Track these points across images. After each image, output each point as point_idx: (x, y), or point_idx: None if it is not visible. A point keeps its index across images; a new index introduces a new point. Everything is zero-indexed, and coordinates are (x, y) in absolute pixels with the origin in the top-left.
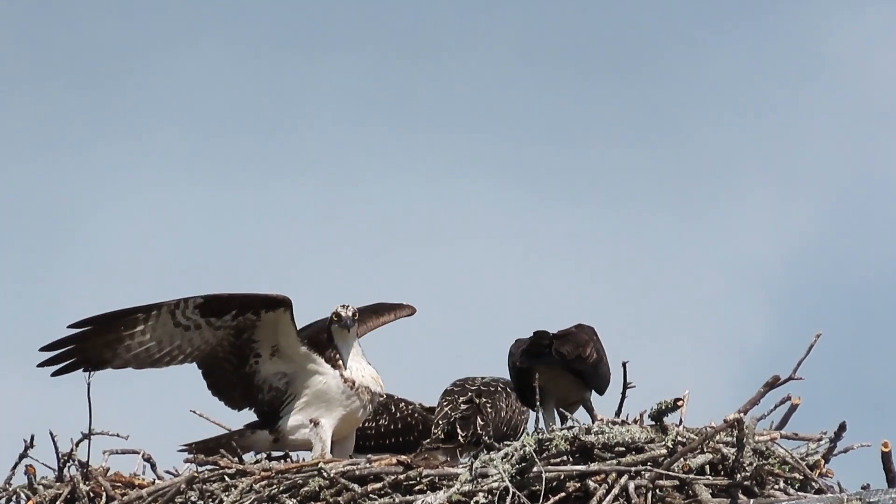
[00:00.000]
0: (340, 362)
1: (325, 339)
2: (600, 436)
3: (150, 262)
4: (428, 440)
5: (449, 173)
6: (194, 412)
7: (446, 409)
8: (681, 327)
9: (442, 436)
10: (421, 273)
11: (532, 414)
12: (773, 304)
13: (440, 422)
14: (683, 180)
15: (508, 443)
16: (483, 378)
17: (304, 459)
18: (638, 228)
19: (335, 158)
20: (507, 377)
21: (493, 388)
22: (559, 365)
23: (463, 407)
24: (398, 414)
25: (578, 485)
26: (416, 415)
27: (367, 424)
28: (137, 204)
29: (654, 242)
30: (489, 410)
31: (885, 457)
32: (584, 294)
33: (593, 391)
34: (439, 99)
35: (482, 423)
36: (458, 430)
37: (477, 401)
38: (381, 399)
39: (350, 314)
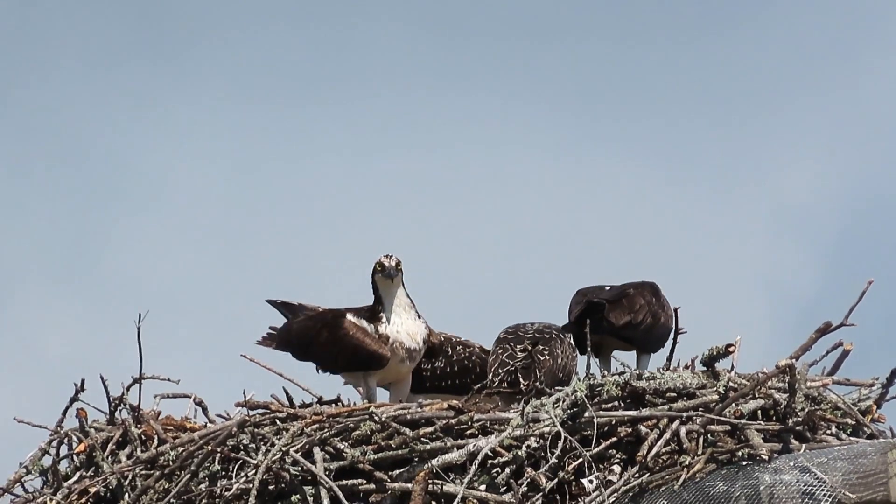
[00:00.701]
0: (382, 315)
1: (373, 291)
2: (651, 382)
3: (199, 200)
4: (482, 386)
5: (500, 134)
6: (244, 356)
7: (503, 357)
8: (727, 274)
9: (505, 385)
10: (476, 221)
11: (581, 359)
12: (819, 250)
13: (499, 370)
14: (729, 127)
15: (560, 388)
16: (535, 325)
17: (355, 404)
18: (683, 178)
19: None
20: (556, 323)
21: (548, 336)
22: (610, 334)
23: (521, 355)
24: (455, 357)
25: (630, 430)
26: (473, 357)
27: (423, 366)
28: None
29: (699, 191)
30: (547, 357)
31: None
32: (630, 243)
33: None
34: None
35: (541, 371)
36: (520, 379)
37: (533, 348)
38: (428, 345)
39: (393, 264)
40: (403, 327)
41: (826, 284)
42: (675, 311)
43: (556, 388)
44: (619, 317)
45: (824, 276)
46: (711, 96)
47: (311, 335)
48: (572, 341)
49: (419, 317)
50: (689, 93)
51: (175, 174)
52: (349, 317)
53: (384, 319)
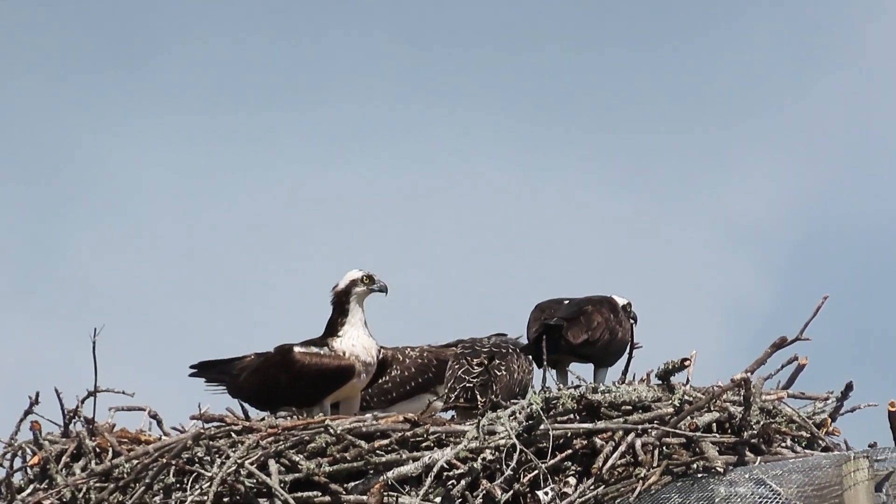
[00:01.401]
0: (339, 330)
1: (333, 306)
2: (607, 395)
3: (159, 209)
4: (439, 400)
5: (461, 143)
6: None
7: (459, 372)
8: (681, 288)
9: (461, 401)
10: (432, 231)
11: (537, 371)
12: (773, 265)
13: (455, 386)
14: (686, 139)
15: (515, 401)
16: (491, 338)
17: (308, 417)
18: (637, 189)
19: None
20: (506, 334)
21: (504, 351)
22: (568, 352)
23: (477, 370)
24: (407, 361)
25: (585, 442)
26: (425, 355)
27: (382, 380)
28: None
29: (653, 203)
30: (503, 373)
31: (892, 416)
32: (587, 254)
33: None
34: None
35: (497, 386)
36: (477, 395)
37: (489, 364)
38: (380, 358)
39: (363, 277)
40: (359, 341)
41: (780, 300)
42: (631, 326)
43: (513, 400)
44: (577, 335)
45: (779, 291)
46: (668, 109)
47: (270, 384)
48: (529, 356)
49: (370, 335)
50: (645, 105)
51: (136, 183)
52: (297, 349)
53: (340, 334)
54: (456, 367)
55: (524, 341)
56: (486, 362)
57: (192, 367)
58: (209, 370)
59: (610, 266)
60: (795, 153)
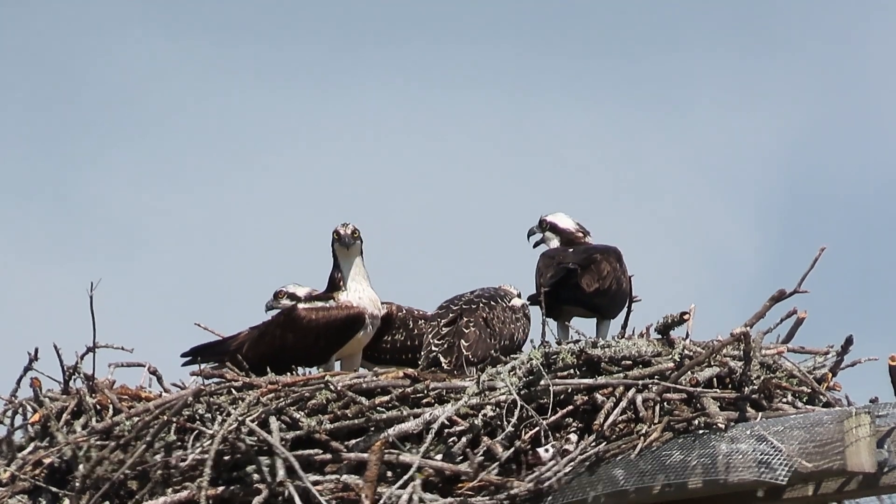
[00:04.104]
0: (342, 284)
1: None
2: (607, 350)
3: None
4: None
5: (437, 83)
6: (199, 325)
7: (430, 335)
8: (670, 239)
9: (424, 365)
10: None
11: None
12: (766, 217)
13: (423, 351)
14: (659, 80)
15: (515, 356)
16: (474, 292)
17: (309, 373)
18: (615, 131)
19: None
20: (500, 287)
21: (474, 306)
22: (579, 302)
23: (444, 331)
24: (416, 331)
25: (586, 398)
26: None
27: (384, 339)
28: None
29: (631, 150)
30: (472, 329)
31: (893, 370)
32: (578, 201)
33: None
34: None
35: (466, 344)
36: (441, 360)
37: (458, 323)
38: (402, 318)
39: (349, 232)
40: (365, 294)
41: (772, 254)
42: (629, 278)
43: (512, 356)
44: (590, 283)
45: (772, 245)
46: (635, 50)
47: (276, 347)
48: (524, 302)
49: (371, 287)
50: (614, 44)
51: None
52: (300, 306)
53: (343, 288)
54: (428, 330)
55: (514, 291)
56: (450, 323)
57: (183, 354)
58: (203, 354)
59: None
60: (783, 87)
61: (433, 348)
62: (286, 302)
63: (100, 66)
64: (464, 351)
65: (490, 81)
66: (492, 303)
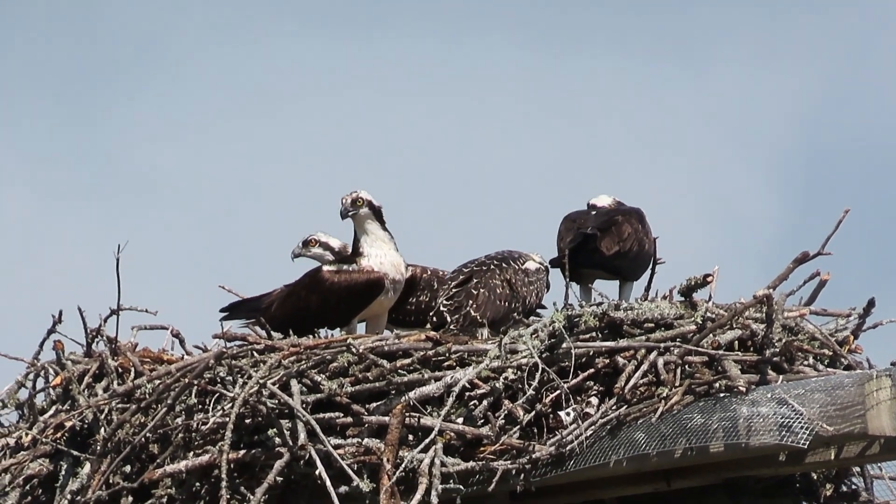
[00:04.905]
0: (362, 251)
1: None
2: (629, 312)
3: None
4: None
5: (461, 33)
6: (223, 287)
7: (441, 297)
8: (689, 199)
9: (429, 327)
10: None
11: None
12: (787, 181)
13: (433, 314)
14: (679, 37)
15: (537, 318)
16: (489, 256)
17: (332, 335)
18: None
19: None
20: (516, 251)
21: (484, 268)
22: (599, 265)
23: (453, 292)
24: (440, 292)
25: (607, 361)
26: None
27: (409, 301)
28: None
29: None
30: (481, 290)
31: None
32: (593, 157)
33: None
34: None
35: (474, 305)
36: (447, 317)
37: (465, 285)
38: (408, 276)
39: (349, 202)
40: (387, 259)
41: (792, 215)
42: (654, 240)
43: (533, 318)
44: (609, 246)
45: (791, 206)
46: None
47: (301, 307)
48: (542, 264)
49: (398, 250)
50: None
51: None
52: (325, 268)
53: (364, 254)
54: (440, 293)
55: (536, 256)
56: (459, 285)
57: (222, 310)
58: (239, 310)
59: (611, 170)
60: (803, 45)
61: (441, 308)
62: (317, 250)
63: (121, 15)
64: (471, 311)
65: (511, 35)
66: (503, 265)
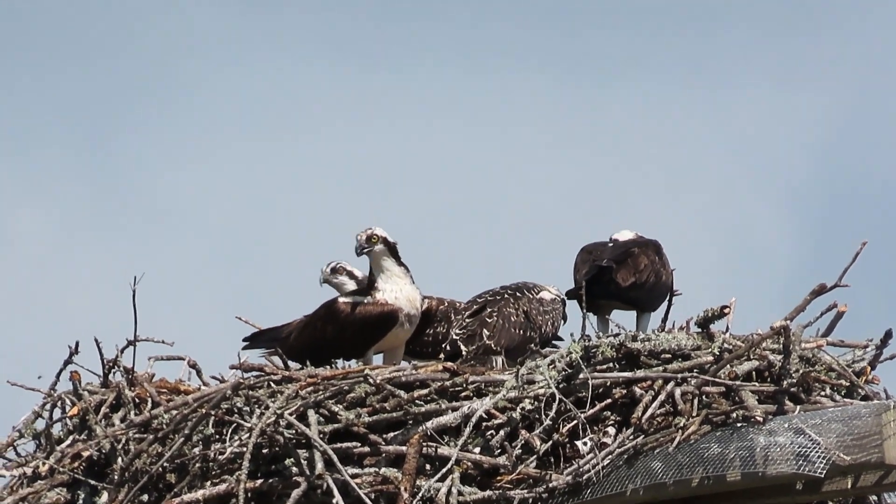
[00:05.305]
0: (377, 285)
1: None
2: (646, 343)
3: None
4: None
5: (478, 63)
6: (240, 318)
7: (455, 328)
8: (706, 230)
9: (442, 357)
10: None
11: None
12: (805, 215)
13: (446, 344)
14: (699, 65)
15: (554, 349)
16: (503, 287)
17: (349, 366)
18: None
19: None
20: (531, 282)
21: (498, 297)
22: (616, 297)
23: (468, 321)
24: (456, 323)
25: (624, 391)
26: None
27: (426, 332)
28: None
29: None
30: (495, 319)
31: None
32: (606, 190)
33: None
34: None
35: (488, 333)
36: (461, 346)
37: (478, 314)
38: (424, 308)
39: (363, 239)
40: (402, 293)
41: (809, 247)
42: (671, 272)
43: (550, 349)
44: (626, 278)
45: (809, 237)
46: (673, 31)
47: (318, 338)
48: (559, 296)
49: (413, 283)
50: (654, 26)
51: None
52: (340, 299)
53: (379, 288)
54: (454, 323)
55: (552, 288)
56: (472, 315)
57: (244, 339)
58: (260, 340)
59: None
60: (823, 77)
61: (454, 336)
62: (343, 278)
63: (136, 44)
64: (485, 339)
65: (531, 64)
66: (518, 294)
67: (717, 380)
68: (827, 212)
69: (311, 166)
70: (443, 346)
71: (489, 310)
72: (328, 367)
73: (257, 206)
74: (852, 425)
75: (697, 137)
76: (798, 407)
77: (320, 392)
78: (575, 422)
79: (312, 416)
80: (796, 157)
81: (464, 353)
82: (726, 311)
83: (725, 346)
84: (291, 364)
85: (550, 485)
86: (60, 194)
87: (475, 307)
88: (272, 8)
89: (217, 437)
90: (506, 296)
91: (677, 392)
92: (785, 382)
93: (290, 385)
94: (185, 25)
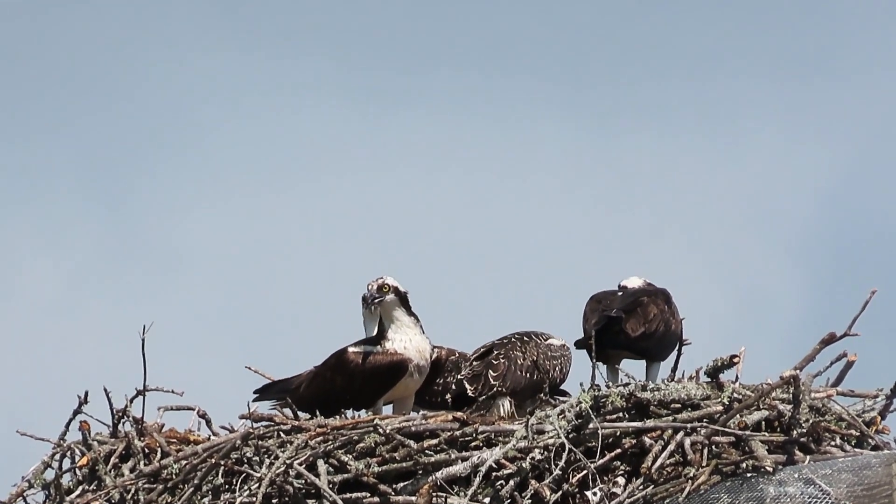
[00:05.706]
0: (388, 334)
1: None
2: (656, 393)
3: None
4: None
5: (483, 111)
6: (249, 368)
7: (463, 372)
8: (713, 279)
9: (448, 398)
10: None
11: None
12: (801, 251)
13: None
14: (705, 113)
15: (564, 399)
16: (512, 334)
17: (359, 416)
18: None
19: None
20: (539, 330)
21: (506, 341)
22: (625, 346)
23: (474, 363)
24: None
25: (634, 441)
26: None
27: (436, 382)
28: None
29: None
30: (501, 361)
31: None
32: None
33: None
34: None
35: (494, 374)
36: (467, 386)
37: (485, 357)
38: (434, 358)
39: (374, 289)
40: (412, 343)
41: (817, 296)
42: (680, 321)
43: (561, 399)
44: (635, 328)
45: (817, 286)
46: (681, 86)
47: (327, 388)
48: (562, 343)
49: (423, 332)
50: (663, 79)
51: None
52: (350, 349)
53: (389, 338)
54: (464, 367)
55: (558, 338)
56: (480, 357)
57: (255, 391)
58: (270, 391)
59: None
60: (830, 125)
61: (460, 377)
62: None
63: (146, 92)
64: (490, 380)
65: (541, 112)
66: (525, 339)
67: (726, 430)
68: (836, 260)
69: (321, 216)
70: (451, 387)
71: (496, 352)
72: (338, 417)
73: (268, 256)
74: (862, 475)
75: (706, 186)
76: (808, 457)
77: (330, 442)
78: (585, 472)
79: (322, 465)
80: (804, 205)
81: (469, 392)
82: (736, 360)
83: (735, 395)
84: (301, 414)
85: None
86: (71, 243)
87: (482, 350)
88: (288, 56)
89: (227, 487)
90: (513, 340)
91: (687, 442)
92: (795, 432)
93: (300, 435)
94: (198, 76)
